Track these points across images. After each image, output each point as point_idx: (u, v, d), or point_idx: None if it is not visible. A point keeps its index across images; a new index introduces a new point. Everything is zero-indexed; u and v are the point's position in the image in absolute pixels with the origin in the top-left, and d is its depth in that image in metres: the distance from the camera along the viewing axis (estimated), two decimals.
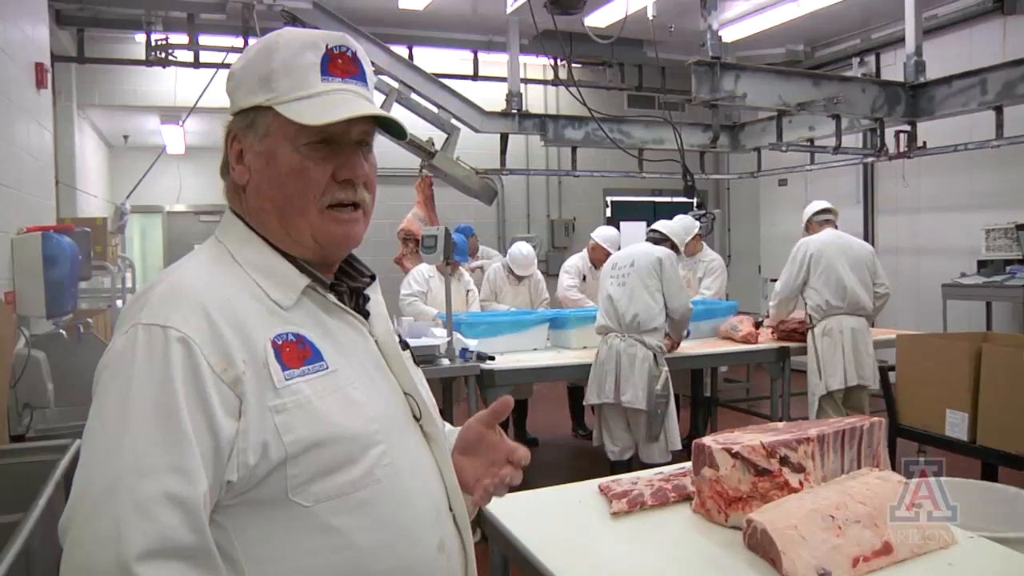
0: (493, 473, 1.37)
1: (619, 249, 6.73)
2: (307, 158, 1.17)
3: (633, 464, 4.81)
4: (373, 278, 1.35)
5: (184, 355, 1.04)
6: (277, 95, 1.17)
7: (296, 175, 1.18)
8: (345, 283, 1.29)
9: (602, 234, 6.85)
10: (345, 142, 1.20)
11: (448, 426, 1.46)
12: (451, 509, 1.28)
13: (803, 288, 5.43)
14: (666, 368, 4.78)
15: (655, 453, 4.75)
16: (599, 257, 6.77)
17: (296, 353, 1.13)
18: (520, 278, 6.75)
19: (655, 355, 4.74)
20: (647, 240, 5.15)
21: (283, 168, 1.17)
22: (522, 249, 6.72)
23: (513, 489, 1.40)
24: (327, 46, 1.20)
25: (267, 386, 1.08)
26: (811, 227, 5.63)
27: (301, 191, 1.18)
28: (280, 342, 1.12)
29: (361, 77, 1.22)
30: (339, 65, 1.20)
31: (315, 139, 1.17)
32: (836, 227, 5.61)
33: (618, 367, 4.77)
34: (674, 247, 5.04)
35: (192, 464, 1.01)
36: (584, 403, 5.20)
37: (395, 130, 1.26)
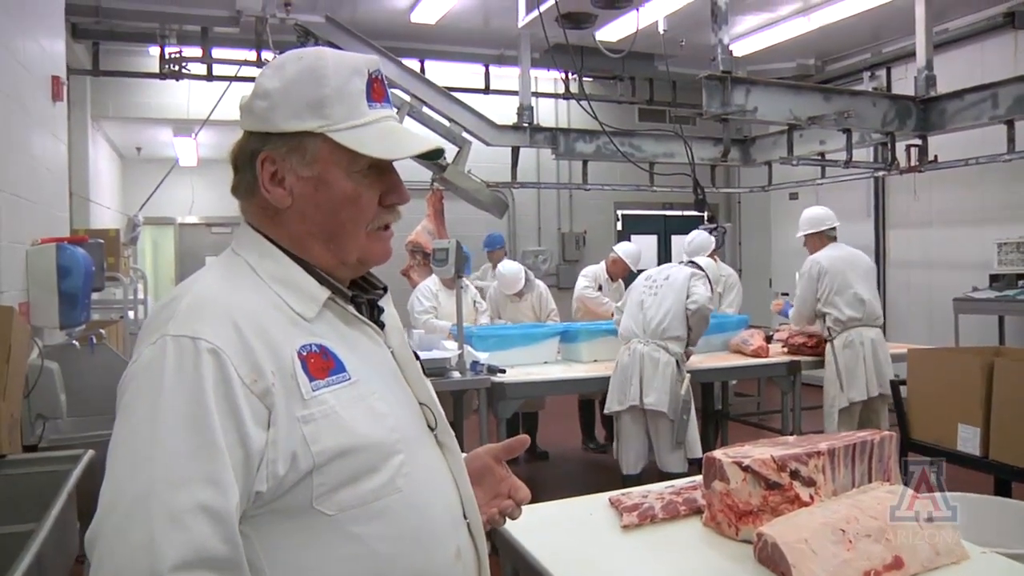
0: (497, 503, 1.41)
1: (637, 265, 6.84)
2: (360, 184, 1.20)
3: (644, 477, 4.80)
4: (385, 290, 1.36)
5: (215, 366, 1.05)
6: (331, 123, 1.17)
7: (351, 201, 1.20)
8: (360, 295, 1.30)
9: (624, 249, 6.92)
10: (389, 168, 1.24)
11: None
12: (465, 517, 1.29)
13: (817, 303, 5.48)
14: (688, 375, 4.86)
15: (674, 462, 4.78)
16: (617, 271, 6.84)
17: (320, 364, 1.13)
18: (519, 295, 6.72)
19: (677, 361, 4.81)
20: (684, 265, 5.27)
21: (337, 195, 1.19)
22: (503, 269, 6.68)
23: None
24: (368, 71, 1.22)
25: (295, 397, 1.09)
26: (818, 239, 5.65)
27: (354, 217, 1.21)
28: (305, 353, 1.13)
29: (387, 99, 1.25)
30: (376, 90, 1.22)
31: (367, 166, 1.20)
32: (835, 238, 5.67)
33: (641, 371, 4.82)
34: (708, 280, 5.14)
35: (224, 475, 1.01)
36: (605, 411, 5.18)
37: (434, 155, 1.28)
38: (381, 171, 1.23)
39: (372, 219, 1.23)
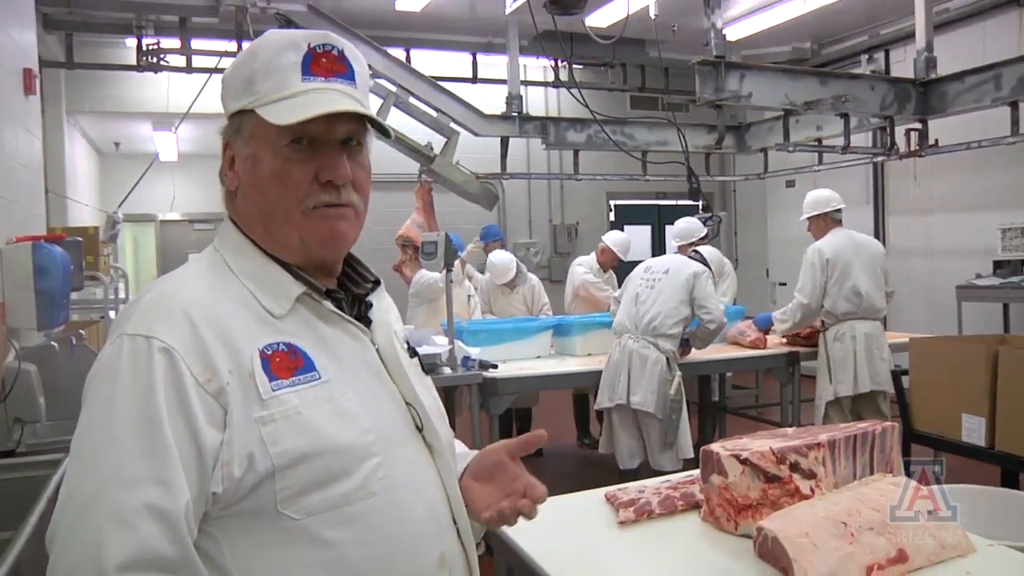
0: (512, 502, 1.33)
1: (627, 254, 6.74)
2: (288, 160, 1.17)
3: (641, 472, 4.72)
4: (377, 283, 1.34)
5: (167, 365, 1.04)
6: (258, 97, 1.16)
7: (278, 178, 1.17)
8: (347, 290, 1.29)
9: (613, 238, 6.86)
10: (327, 142, 1.18)
11: (463, 446, 1.44)
12: (455, 522, 1.26)
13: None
14: (679, 373, 4.74)
15: (666, 461, 4.69)
16: (607, 261, 6.78)
17: (287, 363, 1.11)
18: (511, 286, 6.64)
19: (668, 359, 4.69)
20: (688, 256, 5.12)
21: (265, 171, 1.17)
22: (494, 258, 6.62)
23: None
24: (309, 45, 1.19)
25: (253, 397, 1.07)
26: (823, 222, 5.41)
27: (283, 193, 1.17)
28: (269, 352, 1.11)
29: (348, 76, 1.20)
30: (322, 64, 1.18)
31: (295, 140, 1.16)
32: (841, 222, 5.43)
33: (630, 368, 4.72)
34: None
35: (174, 476, 1.00)
36: (596, 407, 5.12)
37: (378, 127, 1.24)
38: (316, 147, 1.18)
39: (305, 197, 1.17)
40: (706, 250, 5.21)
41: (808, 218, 5.47)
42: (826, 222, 5.39)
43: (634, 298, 4.89)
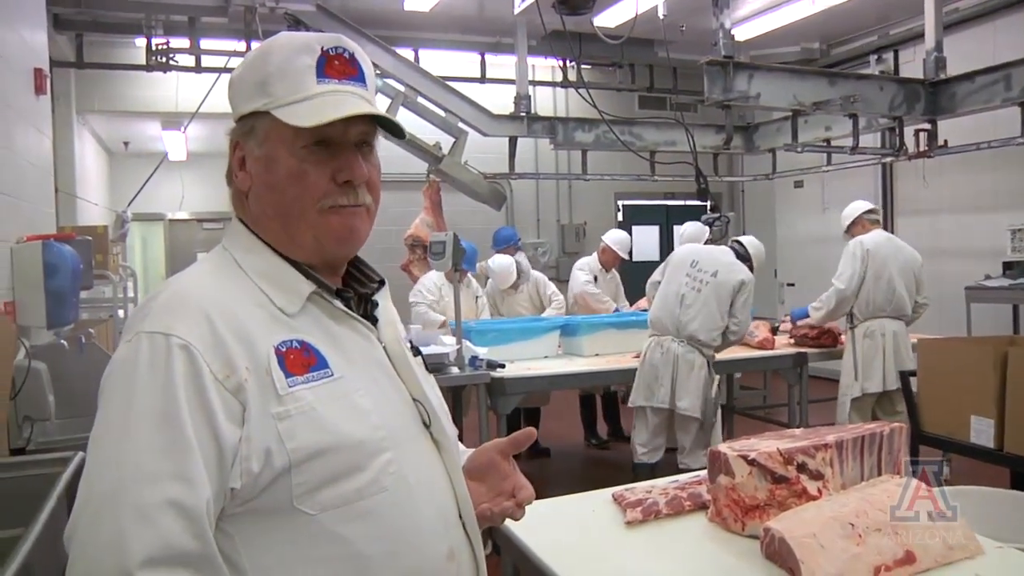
0: (497, 503, 1.36)
1: (630, 253, 6.71)
2: (305, 161, 1.18)
3: (657, 469, 4.67)
4: (382, 283, 1.35)
5: (186, 362, 1.05)
6: (273, 99, 1.17)
7: (295, 179, 1.18)
8: (353, 289, 1.30)
9: (613, 237, 6.85)
10: (343, 144, 1.20)
11: (461, 446, 1.43)
12: (461, 517, 1.26)
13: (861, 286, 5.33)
14: (717, 376, 4.73)
15: (694, 460, 4.61)
16: (608, 260, 6.79)
17: (300, 360, 1.13)
18: (515, 287, 6.65)
19: (709, 362, 4.66)
20: (730, 248, 4.97)
21: (282, 172, 1.18)
22: (494, 264, 6.63)
23: None
24: (322, 48, 1.20)
25: (270, 393, 1.08)
26: (860, 226, 5.52)
27: (300, 194, 1.18)
28: (284, 349, 1.12)
29: (359, 78, 1.22)
30: (335, 67, 1.20)
31: (312, 141, 1.17)
32: (880, 223, 5.59)
33: (675, 373, 4.66)
34: (751, 269, 4.88)
35: (194, 471, 1.01)
36: (629, 404, 5.01)
37: (393, 129, 1.26)
38: (333, 148, 1.19)
39: (322, 197, 1.19)
40: (748, 240, 5.02)
41: (847, 228, 5.59)
42: (864, 225, 5.53)
43: (679, 299, 4.70)
